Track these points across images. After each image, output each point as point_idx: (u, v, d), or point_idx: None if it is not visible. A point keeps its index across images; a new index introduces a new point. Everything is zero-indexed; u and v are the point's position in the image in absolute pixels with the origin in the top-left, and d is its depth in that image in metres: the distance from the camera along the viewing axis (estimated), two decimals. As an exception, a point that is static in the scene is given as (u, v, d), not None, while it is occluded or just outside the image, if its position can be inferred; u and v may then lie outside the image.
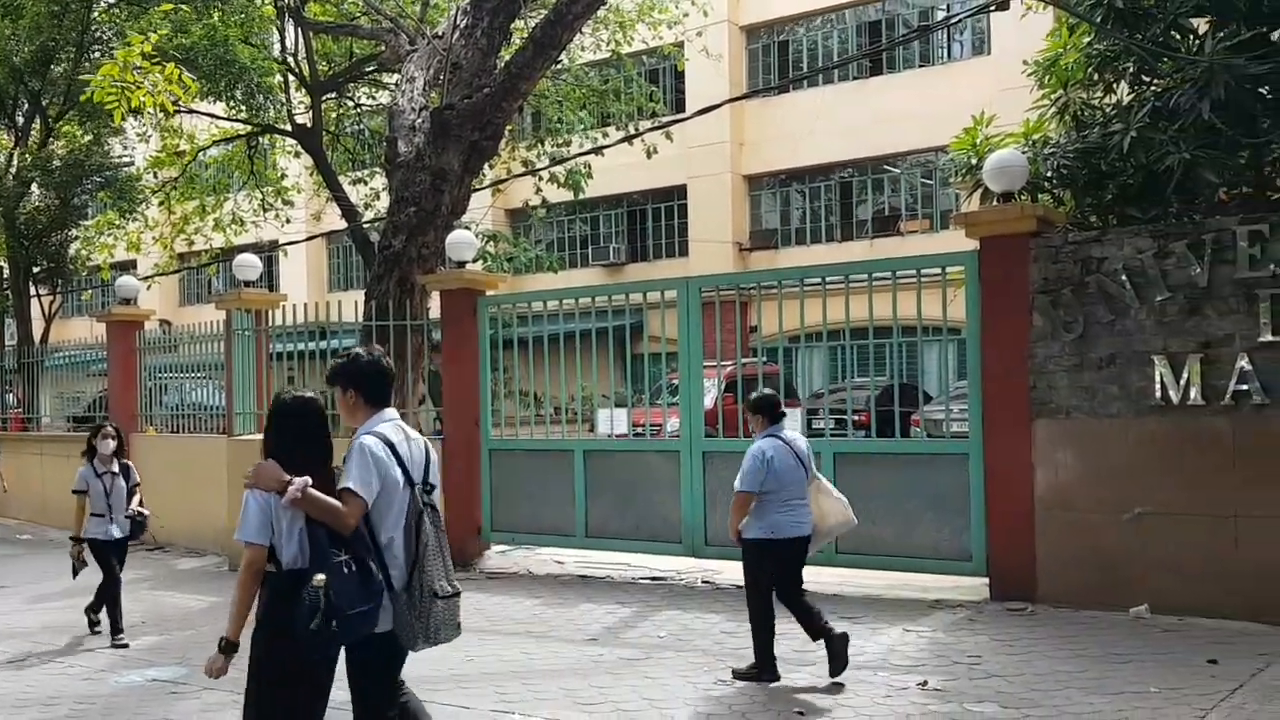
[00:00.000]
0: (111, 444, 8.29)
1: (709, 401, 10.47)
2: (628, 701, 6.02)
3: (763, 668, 6.31)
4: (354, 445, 4.02)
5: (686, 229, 28.28)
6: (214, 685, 4.36)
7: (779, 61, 27.80)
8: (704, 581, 9.43)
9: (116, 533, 8.24)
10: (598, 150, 14.80)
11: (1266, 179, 9.06)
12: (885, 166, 26.15)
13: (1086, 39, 9.52)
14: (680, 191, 28.17)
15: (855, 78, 26.44)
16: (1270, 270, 7.17)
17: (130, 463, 8.62)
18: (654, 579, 9.70)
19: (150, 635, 8.29)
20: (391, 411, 4.20)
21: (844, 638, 6.24)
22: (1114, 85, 9.52)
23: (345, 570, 3.78)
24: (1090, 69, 9.47)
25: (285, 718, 3.95)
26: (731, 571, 9.48)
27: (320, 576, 3.73)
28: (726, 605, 8.48)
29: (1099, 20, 9.01)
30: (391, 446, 4.03)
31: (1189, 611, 7.29)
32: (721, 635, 7.53)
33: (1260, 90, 8.48)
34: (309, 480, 3.82)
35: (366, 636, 3.90)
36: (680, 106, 25.44)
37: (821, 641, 6.24)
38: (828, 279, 9.38)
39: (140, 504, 8.40)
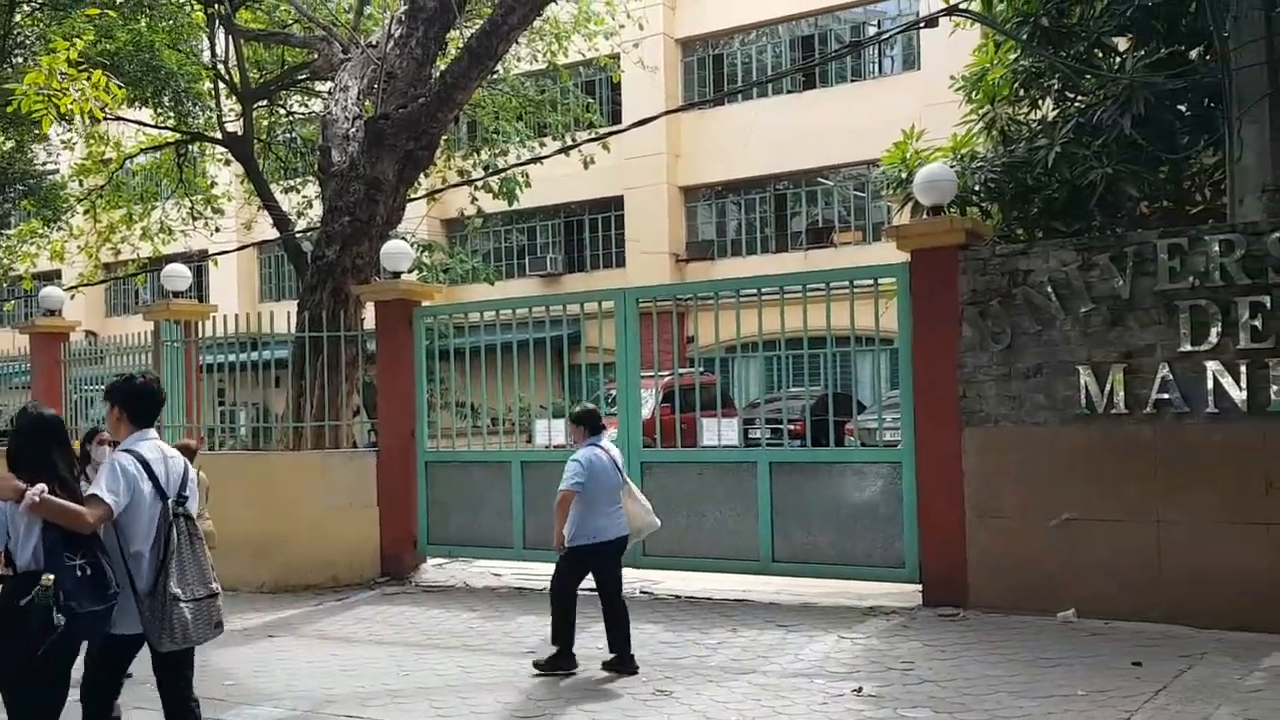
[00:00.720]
0: (105, 451, 6.71)
1: (647, 412, 10.49)
2: (565, 714, 6.01)
3: (562, 659, 6.88)
4: (108, 459, 4.47)
5: (623, 240, 28.35)
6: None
7: (714, 74, 28.02)
8: (642, 592, 9.44)
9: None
10: (535, 160, 14.78)
11: (1185, 193, 9.37)
12: (818, 179, 26.48)
13: (1013, 55, 9.76)
14: (617, 202, 28.25)
15: (789, 91, 26.76)
16: (1189, 282, 7.40)
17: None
18: (592, 590, 9.66)
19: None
20: (152, 432, 4.60)
21: (632, 670, 6.79)
22: (1039, 101, 9.77)
23: (79, 573, 4.05)
24: (1016, 85, 9.72)
25: (24, 716, 4.13)
26: (671, 581, 9.53)
27: (49, 577, 3.96)
28: (664, 615, 8.51)
29: (1025, 38, 9.25)
30: (146, 464, 4.39)
31: (1115, 615, 7.47)
32: (659, 645, 7.54)
33: (1178, 107, 8.78)
34: (44, 487, 4.03)
35: (110, 636, 4.24)
36: (617, 118, 25.50)
37: (614, 654, 6.87)
38: (763, 290, 9.47)
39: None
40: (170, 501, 4.40)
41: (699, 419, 9.82)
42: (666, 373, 13.62)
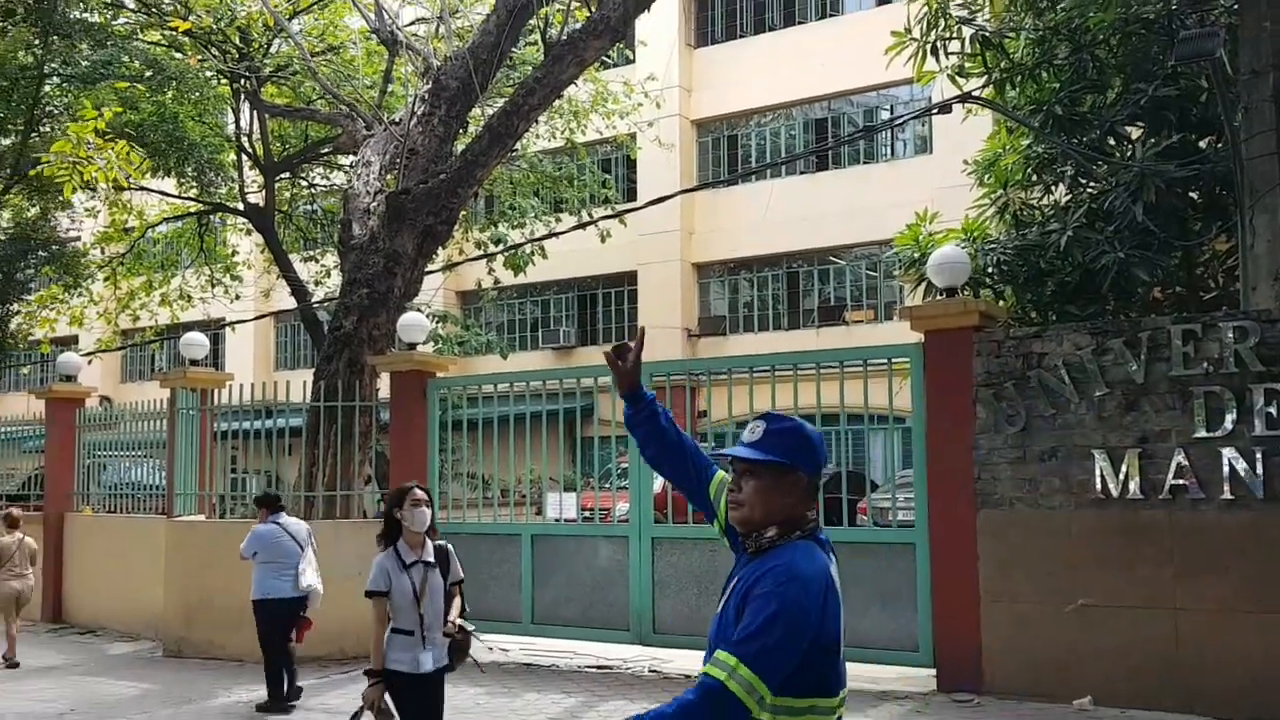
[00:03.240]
0: (427, 514, 5.29)
1: (658, 486, 10.48)
2: (574, 794, 5.92)
3: (278, 702, 8.35)
4: None
5: (636, 314, 28.52)
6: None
7: (729, 154, 28.43)
8: (651, 670, 9.34)
9: (429, 663, 5.26)
10: (551, 235, 15.00)
11: (1198, 279, 9.43)
12: (831, 258, 26.67)
13: (1025, 141, 9.92)
14: (631, 277, 28.48)
15: (803, 172, 27.11)
16: (1204, 369, 7.42)
17: (448, 545, 5.60)
18: (601, 667, 9.58)
19: (78, 724, 8.02)
20: None
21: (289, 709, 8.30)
22: (1052, 186, 9.90)
23: None
24: (1029, 170, 9.86)
25: None
26: (681, 660, 9.43)
27: None
28: (674, 695, 8.39)
29: (1038, 124, 9.40)
30: None
31: (1131, 703, 7.37)
32: (669, 726, 7.42)
33: (1190, 194, 8.88)
34: None
35: None
36: (632, 194, 25.84)
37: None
38: (776, 367, 9.51)
39: (463, 611, 5.60)
40: None
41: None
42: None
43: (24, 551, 11.00)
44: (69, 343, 25.80)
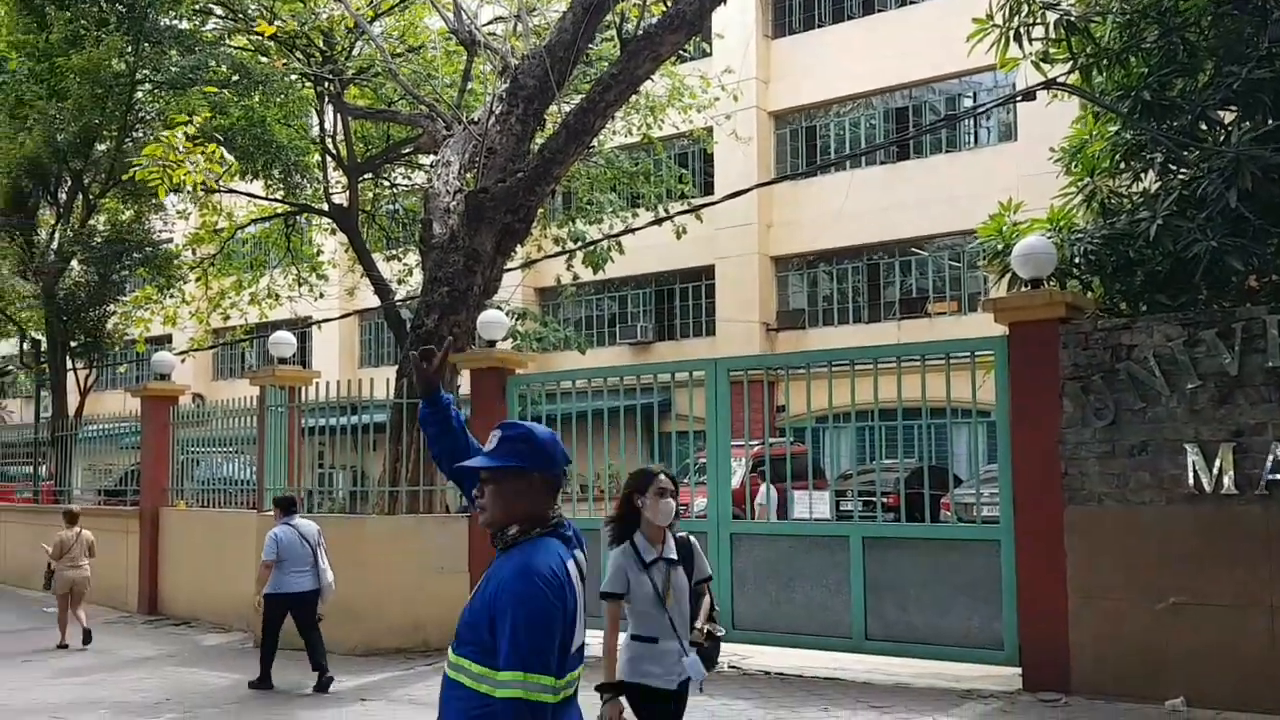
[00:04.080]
0: (673, 505, 4.61)
1: (736, 482, 10.45)
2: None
3: (264, 680, 9.00)
4: None
5: (714, 308, 28.46)
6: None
7: (807, 146, 28.19)
8: (731, 666, 9.32)
9: (677, 676, 4.54)
10: (628, 231, 15.02)
11: (1295, 267, 9.07)
12: (912, 250, 26.31)
13: (1113, 127, 9.65)
14: (708, 271, 28.42)
15: (883, 162, 26.75)
16: (1302, 359, 7.14)
17: (691, 538, 4.87)
18: (680, 662, 9.58)
19: (173, 713, 8.26)
20: None
21: (329, 681, 8.85)
22: (1141, 174, 9.61)
23: None
24: (1117, 157, 9.58)
25: None
26: (761, 656, 9.39)
27: None
28: (754, 692, 8.38)
29: (1126, 110, 9.14)
30: None
31: (1226, 705, 7.14)
32: (749, 722, 7.42)
33: (1287, 180, 8.53)
34: None
35: None
36: (709, 188, 25.78)
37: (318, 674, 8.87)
38: (856, 361, 9.41)
39: (713, 613, 4.90)
40: None
41: (789, 490, 9.73)
42: (757, 442, 13.57)
43: (81, 544, 11.87)
44: (163, 342, 26.66)
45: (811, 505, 9.66)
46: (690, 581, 4.63)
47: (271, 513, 10.13)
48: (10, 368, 28.31)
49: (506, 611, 2.63)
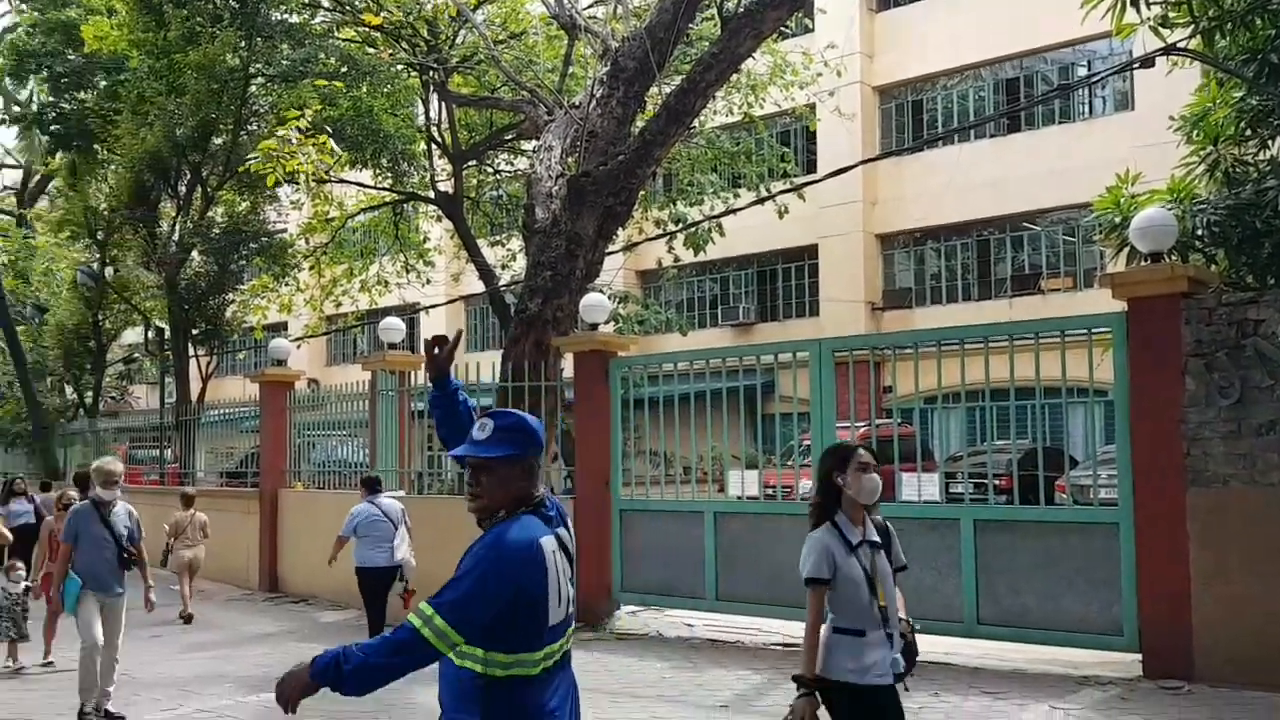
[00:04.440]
0: (878, 482, 4.18)
1: (842, 464, 10.32)
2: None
3: None
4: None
5: (817, 288, 28.15)
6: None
7: (913, 120, 27.62)
8: (838, 649, 9.23)
9: (889, 671, 4.06)
10: (729, 212, 14.92)
11: None
12: (1025, 224, 25.58)
13: (1238, 93, 9.20)
14: (811, 251, 28.10)
15: (993, 135, 26.04)
16: None
17: (886, 520, 4.42)
18: (787, 645, 9.53)
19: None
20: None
21: None
22: (1269, 140, 9.16)
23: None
24: (1242, 124, 9.14)
25: None
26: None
27: None
28: (861, 675, 8.27)
29: (1252, 75, 8.71)
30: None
31: (1366, 698, 6.79)
32: (856, 706, 7.32)
33: None
34: None
35: None
36: (812, 166, 25.46)
37: None
38: (966, 340, 9.19)
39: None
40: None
41: (897, 472, 9.56)
42: (863, 424, 13.37)
43: (195, 525, 12.86)
44: (279, 329, 27.52)
45: (920, 487, 9.47)
46: (891, 563, 4.21)
47: (396, 491, 10.43)
48: (137, 355, 29.60)
49: (461, 565, 2.81)
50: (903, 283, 27.72)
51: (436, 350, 3.32)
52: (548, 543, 2.89)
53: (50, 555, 9.73)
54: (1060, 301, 22.91)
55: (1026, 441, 12.14)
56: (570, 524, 3.05)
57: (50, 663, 9.34)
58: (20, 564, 9.87)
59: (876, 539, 4.16)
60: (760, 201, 15.23)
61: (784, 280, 29.45)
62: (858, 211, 27.19)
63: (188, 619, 11.95)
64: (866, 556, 4.07)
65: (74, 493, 10.35)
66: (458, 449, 3.06)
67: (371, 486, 10.18)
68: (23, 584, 9.63)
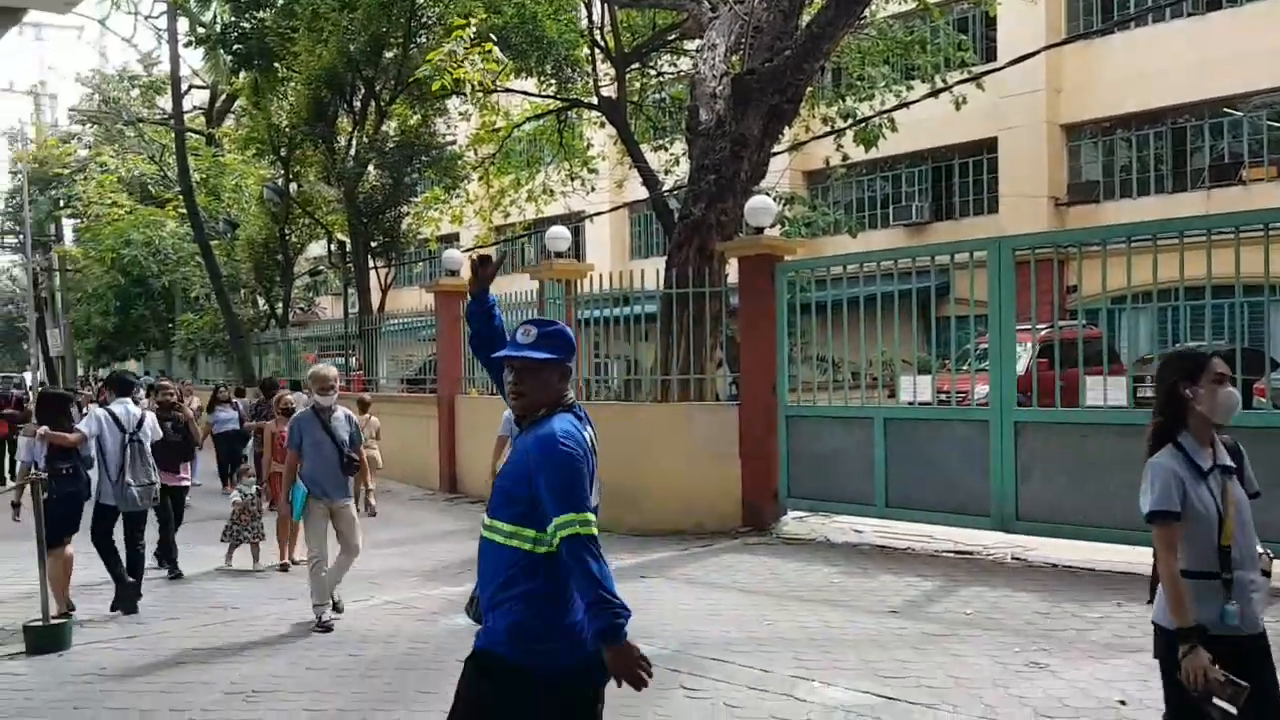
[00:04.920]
0: (1236, 397, 3.60)
1: (1021, 367, 9.90)
2: (931, 677, 5.82)
3: None
4: (92, 412, 8.40)
5: (996, 184, 26.88)
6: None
7: (1101, 1, 25.71)
8: (1014, 558, 8.98)
9: (1255, 618, 3.49)
10: (902, 106, 14.31)
11: None
12: (1225, 110, 23.64)
13: None
14: (990, 145, 26.77)
15: (1190, 14, 24.00)
16: None
17: (1235, 440, 3.95)
18: (959, 553, 9.34)
19: (471, 582, 8.87)
20: (131, 399, 8.60)
21: None
22: None
23: (64, 471, 7.72)
24: None
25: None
26: (1046, 548, 8.99)
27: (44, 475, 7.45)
28: (1039, 584, 8.03)
29: None
30: (113, 414, 8.20)
31: None
32: (1034, 615, 7.12)
33: None
34: (47, 427, 7.83)
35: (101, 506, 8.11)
36: (991, 54, 24.10)
37: None
38: (1159, 235, 8.58)
39: None
40: (127, 434, 8.14)
41: (1082, 376, 9.11)
42: (1044, 326, 12.79)
43: (370, 428, 13.01)
44: (451, 240, 28.21)
45: (1106, 392, 8.99)
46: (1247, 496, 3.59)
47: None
48: (321, 268, 30.94)
49: (542, 469, 3.00)
50: (1089, 176, 26.15)
51: (482, 269, 3.59)
52: (587, 432, 3.19)
53: (275, 456, 10.19)
54: (1263, 192, 21.20)
55: (1223, 343, 11.36)
56: (594, 427, 3.29)
57: (286, 565, 9.65)
58: (252, 468, 10.26)
59: (1229, 462, 3.55)
60: (936, 94, 14.54)
61: (960, 177, 28.22)
62: (1041, 101, 25.66)
63: (372, 513, 12.45)
64: (1217, 484, 3.47)
65: (291, 396, 11.03)
66: (505, 350, 3.23)
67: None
68: (254, 486, 10.09)
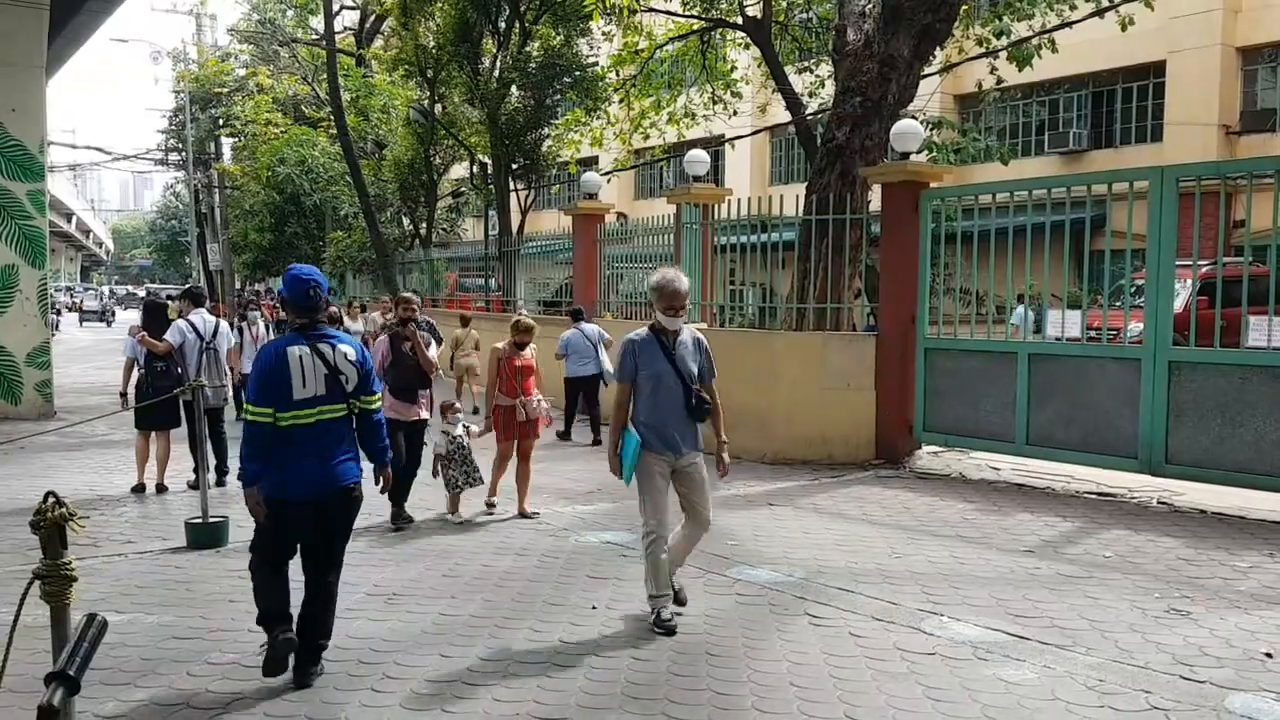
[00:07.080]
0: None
1: (1179, 305, 9.42)
2: (1065, 619, 5.67)
3: (565, 434, 12.80)
4: (176, 322, 9.53)
5: (1162, 111, 25.37)
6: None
7: (1292, -91, 23.74)
8: (1160, 502, 8.64)
9: None
10: (1064, 25, 13.55)
11: None
12: None
13: None
14: (1157, 68, 25.23)
15: (1395, -79, 21.97)
16: None
17: None
18: (1101, 495, 9.04)
19: (605, 502, 9.05)
20: (204, 310, 9.69)
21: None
22: None
23: (159, 369, 9.29)
24: None
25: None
26: (1195, 493, 8.64)
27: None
28: (1185, 530, 7.72)
29: None
30: (192, 324, 9.38)
31: None
32: (1178, 561, 6.86)
33: None
34: (145, 332, 9.22)
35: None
36: (1162, -29, 22.58)
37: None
38: (1341, 167, 7.98)
39: None
40: (203, 340, 9.42)
41: (1245, 316, 8.61)
42: (1207, 262, 12.11)
43: (470, 340, 15.88)
44: (591, 163, 28.31)
45: (1271, 333, 8.48)
46: None
47: (697, 324, 10.60)
48: (463, 189, 31.47)
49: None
50: (1266, 103, 24.43)
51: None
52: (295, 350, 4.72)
53: (499, 384, 8.34)
54: None
55: None
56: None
57: (493, 504, 8.55)
58: (458, 404, 8.66)
59: None
60: (1100, 13, 13.73)
61: (1123, 102, 26.72)
62: (1216, 21, 23.98)
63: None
64: None
65: (526, 314, 12.44)
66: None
67: (576, 316, 12.73)
68: (461, 425, 8.40)
